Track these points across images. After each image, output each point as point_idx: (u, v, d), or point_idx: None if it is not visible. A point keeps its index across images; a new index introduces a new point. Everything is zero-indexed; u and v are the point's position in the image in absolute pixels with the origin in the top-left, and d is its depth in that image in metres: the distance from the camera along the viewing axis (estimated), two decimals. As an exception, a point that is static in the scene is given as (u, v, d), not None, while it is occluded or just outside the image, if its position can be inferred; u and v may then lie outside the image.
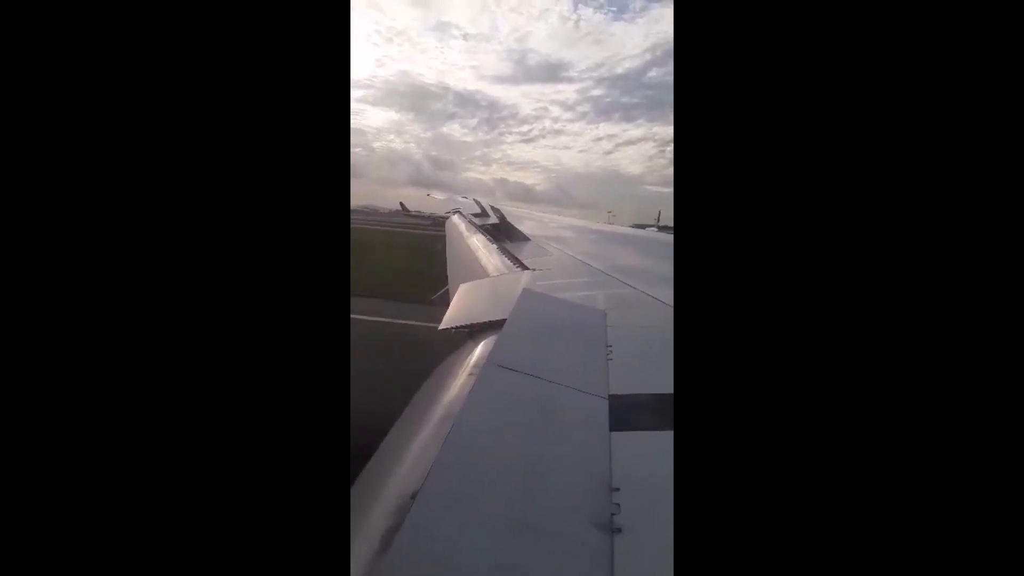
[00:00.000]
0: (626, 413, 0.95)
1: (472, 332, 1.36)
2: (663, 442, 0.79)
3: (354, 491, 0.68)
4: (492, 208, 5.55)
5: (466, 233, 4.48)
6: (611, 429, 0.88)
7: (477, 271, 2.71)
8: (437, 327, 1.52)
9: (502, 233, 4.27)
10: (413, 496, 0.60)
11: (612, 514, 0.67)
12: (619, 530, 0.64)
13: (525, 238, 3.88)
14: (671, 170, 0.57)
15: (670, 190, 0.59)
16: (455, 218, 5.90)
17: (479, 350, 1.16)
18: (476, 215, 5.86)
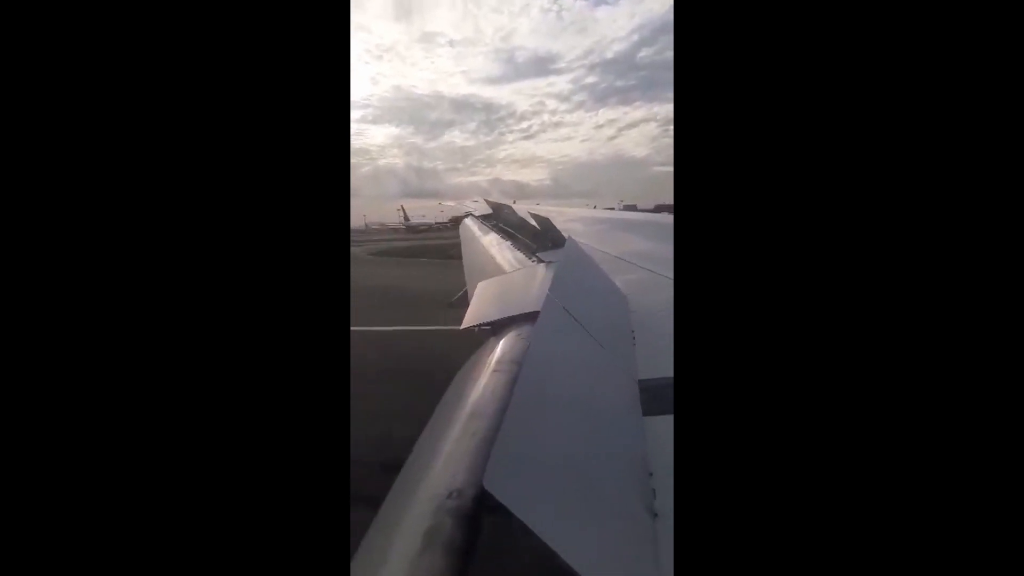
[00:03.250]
0: (647, 396, 0.95)
1: (494, 329, 1.36)
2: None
3: (390, 496, 0.68)
4: (500, 204, 5.56)
5: (479, 234, 4.50)
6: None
7: (493, 269, 2.71)
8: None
9: (513, 228, 4.27)
10: (450, 495, 0.60)
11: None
12: (656, 515, 0.63)
13: (537, 231, 3.87)
14: (679, 148, 0.56)
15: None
16: (468, 220, 5.92)
17: (502, 346, 1.16)
18: (488, 216, 5.87)
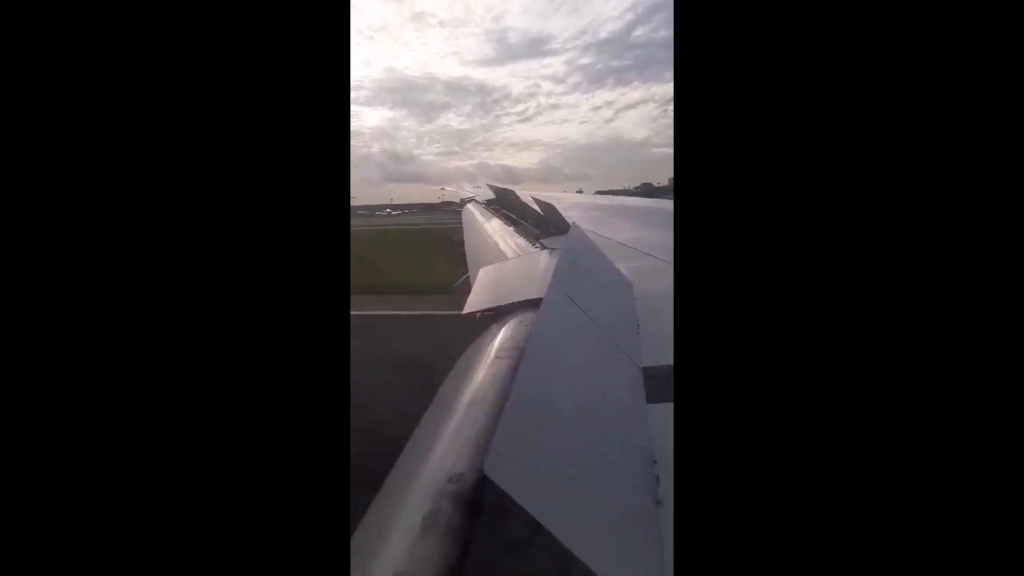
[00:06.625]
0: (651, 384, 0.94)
1: (496, 315, 1.35)
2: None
3: (389, 480, 0.68)
4: (505, 189, 5.54)
5: (481, 219, 4.48)
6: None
7: (496, 254, 2.70)
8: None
9: (516, 214, 4.25)
10: (450, 480, 0.60)
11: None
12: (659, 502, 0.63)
13: (540, 216, 3.85)
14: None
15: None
16: (470, 206, 5.91)
17: (504, 332, 1.15)
18: (491, 200, 5.86)
